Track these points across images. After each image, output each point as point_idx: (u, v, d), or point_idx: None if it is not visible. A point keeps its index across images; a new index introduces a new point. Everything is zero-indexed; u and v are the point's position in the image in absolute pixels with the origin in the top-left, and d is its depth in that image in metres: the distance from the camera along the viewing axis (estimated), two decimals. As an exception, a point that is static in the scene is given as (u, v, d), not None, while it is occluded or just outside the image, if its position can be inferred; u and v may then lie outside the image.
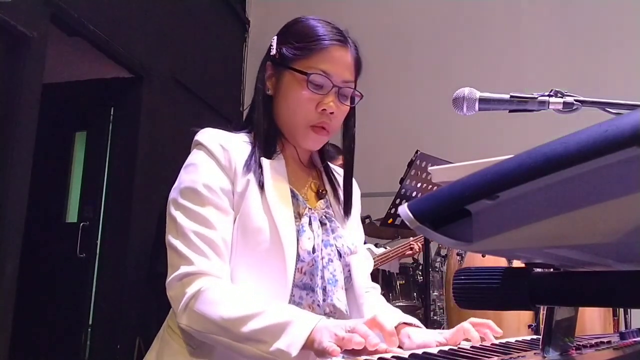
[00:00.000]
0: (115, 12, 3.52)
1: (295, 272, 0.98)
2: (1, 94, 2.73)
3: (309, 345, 0.80)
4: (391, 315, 1.10)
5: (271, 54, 1.09)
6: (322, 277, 1.03)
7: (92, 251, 3.73)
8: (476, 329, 0.95)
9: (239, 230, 0.98)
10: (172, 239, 0.96)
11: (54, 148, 3.88)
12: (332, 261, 1.05)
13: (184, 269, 0.93)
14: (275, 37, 1.10)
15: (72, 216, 3.96)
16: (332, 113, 1.05)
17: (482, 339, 0.92)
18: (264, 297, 0.95)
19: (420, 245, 3.16)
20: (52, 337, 3.69)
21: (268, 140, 1.07)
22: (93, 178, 3.87)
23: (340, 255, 1.08)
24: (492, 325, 0.95)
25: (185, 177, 1.00)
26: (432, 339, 0.98)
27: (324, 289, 1.03)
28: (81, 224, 3.78)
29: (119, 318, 3.58)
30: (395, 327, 1.05)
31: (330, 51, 1.04)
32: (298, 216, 1.04)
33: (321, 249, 1.04)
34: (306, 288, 1.02)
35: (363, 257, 1.16)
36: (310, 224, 1.05)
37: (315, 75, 1.03)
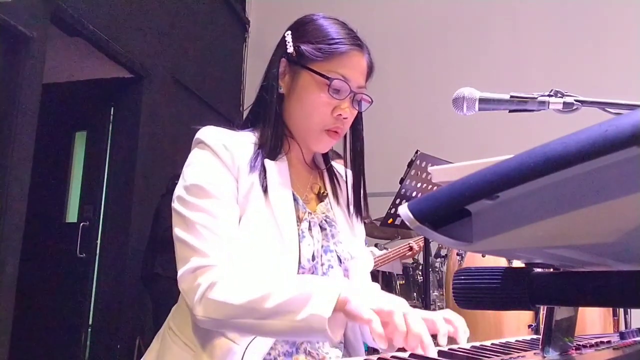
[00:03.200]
0: (115, 12, 3.52)
1: None
2: (1, 94, 2.73)
3: (340, 306, 0.78)
4: None
5: (288, 50, 1.05)
6: None
7: (92, 251, 3.73)
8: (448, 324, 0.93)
9: (241, 232, 0.97)
10: (180, 233, 0.95)
11: (54, 148, 3.88)
12: (332, 267, 1.05)
13: (195, 262, 0.91)
14: (290, 33, 1.07)
15: (72, 216, 3.96)
16: (345, 118, 1.04)
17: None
18: (279, 275, 0.93)
19: (420, 246, 3.16)
20: (52, 337, 3.68)
21: (275, 140, 1.05)
22: (93, 178, 3.87)
23: (340, 261, 1.07)
24: (460, 327, 0.91)
25: (189, 175, 0.99)
26: None
27: None
28: (81, 224, 3.78)
29: (119, 318, 3.58)
30: None
31: (350, 56, 1.03)
32: (298, 220, 1.03)
33: (321, 255, 1.04)
34: None
35: (362, 259, 1.15)
36: (310, 229, 1.04)
37: (337, 81, 1.01)
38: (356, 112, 1.08)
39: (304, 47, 1.03)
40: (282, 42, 1.07)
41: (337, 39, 1.03)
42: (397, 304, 0.77)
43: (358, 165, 1.15)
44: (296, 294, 0.82)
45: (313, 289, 0.81)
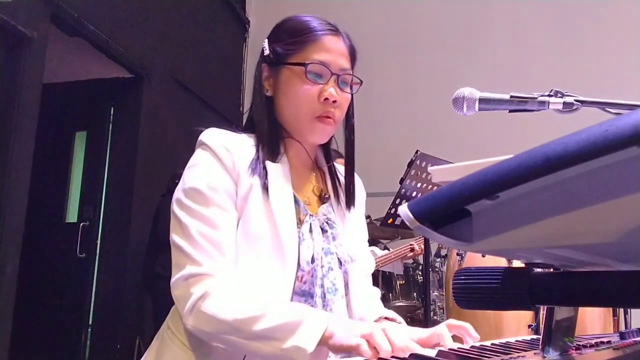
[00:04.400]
0: (115, 12, 3.52)
1: (295, 280, 0.98)
2: (1, 94, 2.73)
3: (324, 341, 0.81)
4: (371, 310, 1.10)
5: (265, 54, 1.09)
6: (322, 286, 1.03)
7: (92, 251, 3.73)
8: (454, 331, 0.94)
9: (240, 234, 0.97)
10: (177, 239, 0.96)
11: (54, 148, 3.88)
12: (332, 269, 1.05)
13: (189, 269, 0.92)
14: (267, 39, 1.10)
15: (72, 216, 3.96)
16: (335, 102, 1.04)
17: (462, 340, 0.92)
18: (272, 296, 0.95)
19: (422, 247, 3.15)
20: (52, 337, 3.68)
21: (271, 141, 1.06)
22: (93, 178, 3.87)
23: (340, 263, 1.07)
24: (470, 329, 0.93)
25: (189, 178, 0.99)
26: None
27: (324, 298, 1.03)
28: (81, 224, 3.78)
29: (119, 318, 3.58)
30: (374, 322, 1.06)
31: (324, 41, 1.04)
32: (299, 222, 1.03)
33: (321, 258, 1.04)
34: (305, 295, 1.02)
35: (363, 260, 1.15)
36: (310, 231, 1.04)
37: (313, 65, 1.02)
38: (348, 95, 1.08)
39: (278, 46, 1.06)
40: (262, 50, 1.10)
41: (310, 28, 1.05)
42: (376, 327, 0.81)
43: (347, 153, 1.15)
44: (285, 322, 0.84)
45: (302, 319, 0.83)
